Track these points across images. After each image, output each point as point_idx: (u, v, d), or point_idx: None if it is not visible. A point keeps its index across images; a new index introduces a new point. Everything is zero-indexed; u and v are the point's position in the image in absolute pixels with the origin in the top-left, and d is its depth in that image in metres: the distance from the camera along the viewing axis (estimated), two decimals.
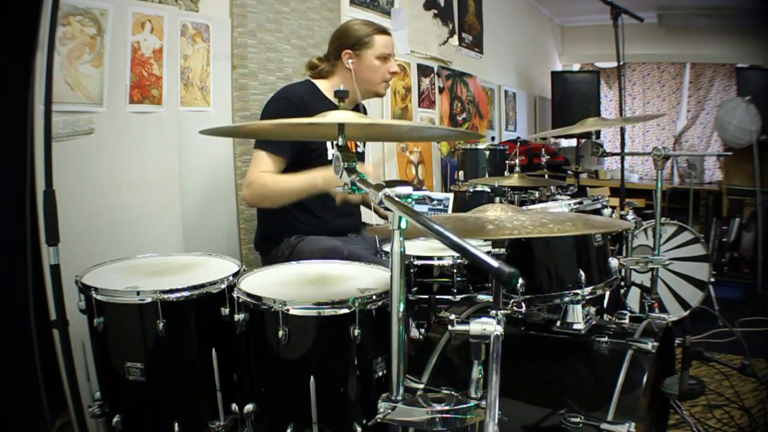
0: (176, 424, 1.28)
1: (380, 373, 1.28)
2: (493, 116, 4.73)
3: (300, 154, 1.87)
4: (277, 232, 1.96)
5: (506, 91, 4.97)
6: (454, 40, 4.00)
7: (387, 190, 0.91)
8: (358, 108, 2.15)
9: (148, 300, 1.25)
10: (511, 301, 1.39)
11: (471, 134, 2.64)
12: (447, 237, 0.76)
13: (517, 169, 2.55)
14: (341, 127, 1.09)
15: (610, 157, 5.82)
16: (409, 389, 0.99)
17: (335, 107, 2.08)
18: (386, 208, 0.91)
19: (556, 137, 5.73)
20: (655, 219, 2.18)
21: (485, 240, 1.39)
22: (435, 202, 2.78)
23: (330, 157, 1.94)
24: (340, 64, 2.02)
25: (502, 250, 1.27)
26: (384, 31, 2.04)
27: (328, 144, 1.95)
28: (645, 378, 1.20)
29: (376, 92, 2.07)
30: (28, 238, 1.59)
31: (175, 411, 1.31)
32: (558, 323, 1.42)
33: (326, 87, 2.03)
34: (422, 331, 1.73)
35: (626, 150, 4.70)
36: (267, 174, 1.82)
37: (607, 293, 2.19)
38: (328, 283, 1.41)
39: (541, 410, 1.24)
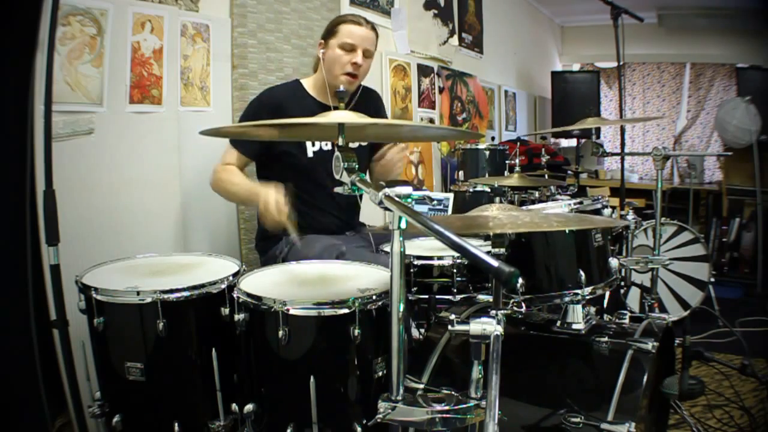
0: (176, 424, 1.29)
1: (380, 373, 1.28)
2: (493, 116, 4.73)
3: (266, 156, 1.92)
4: (276, 231, 1.95)
5: (506, 91, 4.97)
6: (454, 40, 3.99)
7: (387, 190, 0.91)
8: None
9: (148, 300, 1.25)
10: (511, 301, 1.38)
11: (471, 134, 2.63)
12: (447, 237, 0.76)
13: (517, 169, 2.55)
14: (341, 127, 1.08)
15: (610, 157, 5.82)
16: (409, 389, 0.99)
17: (319, 104, 2.07)
18: (386, 209, 0.91)
19: (556, 137, 5.73)
20: (655, 219, 2.18)
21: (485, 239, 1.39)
22: (435, 202, 2.78)
23: (310, 154, 1.94)
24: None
25: (502, 250, 1.27)
26: (356, 22, 1.92)
27: (308, 144, 1.94)
28: (645, 378, 1.20)
29: (335, 85, 1.86)
30: (28, 238, 1.59)
31: (175, 411, 1.31)
32: (558, 323, 1.42)
33: (311, 84, 2.03)
34: (422, 331, 1.73)
35: (626, 150, 4.70)
36: (228, 168, 1.89)
37: (607, 293, 2.19)
38: (328, 283, 1.41)
39: (541, 410, 1.24)
